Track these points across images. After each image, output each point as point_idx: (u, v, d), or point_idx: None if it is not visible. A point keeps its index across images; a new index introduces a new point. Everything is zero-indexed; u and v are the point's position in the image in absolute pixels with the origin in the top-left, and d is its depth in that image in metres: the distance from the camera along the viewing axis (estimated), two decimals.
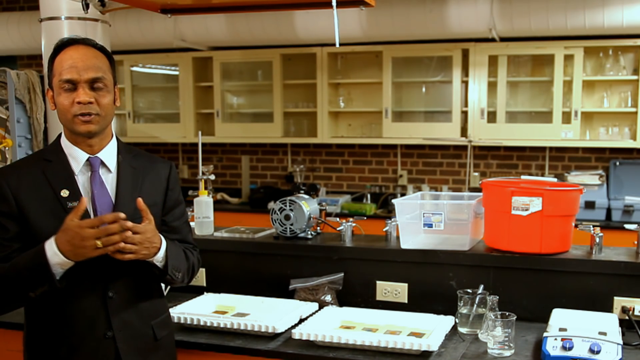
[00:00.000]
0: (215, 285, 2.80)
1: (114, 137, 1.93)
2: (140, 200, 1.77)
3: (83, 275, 1.78)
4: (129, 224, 1.71)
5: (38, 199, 1.77)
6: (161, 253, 1.84)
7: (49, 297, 1.76)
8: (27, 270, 1.70)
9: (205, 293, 2.68)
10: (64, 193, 1.79)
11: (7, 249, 1.76)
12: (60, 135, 1.90)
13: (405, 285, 2.60)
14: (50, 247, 1.68)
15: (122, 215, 1.70)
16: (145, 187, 1.91)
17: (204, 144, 5.24)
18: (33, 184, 1.79)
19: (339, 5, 2.42)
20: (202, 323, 2.32)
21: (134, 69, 5.97)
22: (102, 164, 1.87)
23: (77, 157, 1.84)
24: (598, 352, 1.96)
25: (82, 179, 1.84)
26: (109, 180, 1.87)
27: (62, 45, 1.81)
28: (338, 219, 2.84)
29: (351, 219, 2.81)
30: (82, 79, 1.76)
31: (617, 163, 5.09)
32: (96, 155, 1.86)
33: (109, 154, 1.88)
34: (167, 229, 1.98)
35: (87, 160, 1.84)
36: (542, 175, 5.31)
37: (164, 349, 2.00)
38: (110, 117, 1.86)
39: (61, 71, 1.77)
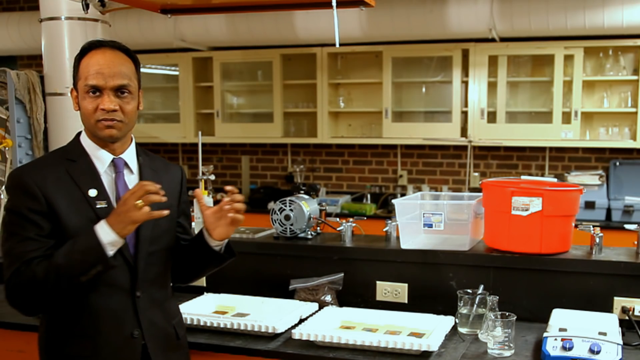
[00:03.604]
0: (215, 285, 2.80)
1: (134, 140, 1.95)
2: (197, 190, 1.88)
3: (112, 274, 1.78)
4: (239, 196, 1.86)
5: (66, 198, 1.76)
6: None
7: (74, 295, 1.76)
8: (80, 253, 1.68)
9: (205, 293, 2.68)
10: (92, 193, 1.79)
11: (45, 244, 1.74)
12: (79, 135, 1.89)
13: (405, 285, 2.60)
14: (101, 226, 1.68)
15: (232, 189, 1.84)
16: (164, 189, 1.92)
17: (204, 144, 5.23)
18: (59, 182, 1.78)
19: (339, 5, 2.42)
20: (202, 323, 2.32)
21: None
22: (126, 165, 1.88)
23: (101, 157, 1.84)
24: (598, 353, 1.96)
25: (106, 180, 1.84)
26: (131, 181, 1.88)
27: (89, 47, 1.82)
28: (338, 219, 2.84)
29: (351, 219, 2.81)
30: (107, 85, 1.77)
31: (617, 163, 5.09)
32: (120, 156, 1.87)
33: (130, 155, 1.90)
34: (181, 231, 2.02)
35: (112, 161, 1.85)
36: (542, 175, 5.31)
37: (183, 348, 2.02)
38: (133, 122, 1.87)
39: (87, 75, 1.77)
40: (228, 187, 1.85)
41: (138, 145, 1.97)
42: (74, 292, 1.74)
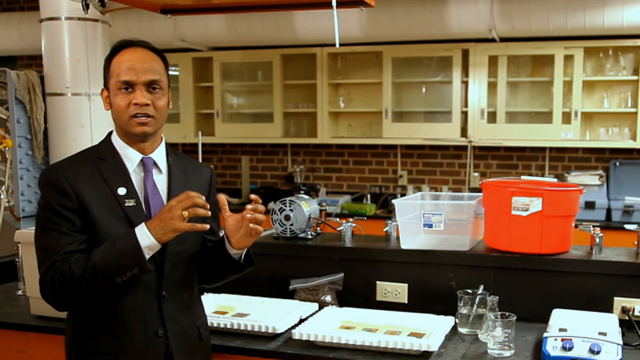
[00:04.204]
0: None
1: (164, 140, 1.95)
2: (222, 196, 1.83)
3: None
4: (261, 207, 1.84)
5: (95, 195, 1.79)
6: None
7: (108, 295, 1.78)
8: (118, 254, 1.70)
9: (205, 293, 2.68)
10: (121, 191, 1.81)
11: (79, 239, 1.77)
12: (110, 134, 1.91)
13: (405, 285, 2.60)
14: (141, 230, 1.71)
15: (256, 198, 1.82)
16: (192, 189, 1.91)
17: (204, 144, 5.24)
18: (89, 180, 1.80)
19: (339, 5, 2.42)
20: None
21: None
22: (155, 164, 1.89)
23: (130, 157, 1.86)
24: (598, 353, 1.96)
25: (135, 179, 1.86)
26: (160, 181, 1.89)
27: (120, 47, 1.84)
28: (338, 219, 2.84)
29: (351, 219, 2.81)
30: (139, 81, 1.79)
31: (617, 163, 5.09)
32: (149, 155, 1.88)
33: (160, 155, 1.91)
34: (209, 232, 2.00)
35: (141, 160, 1.86)
36: (542, 175, 5.31)
37: (206, 349, 2.02)
38: (164, 119, 1.88)
39: (119, 72, 1.79)
40: (253, 196, 1.84)
41: (168, 145, 1.97)
42: (109, 292, 1.75)
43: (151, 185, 1.86)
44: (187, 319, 1.92)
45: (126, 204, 1.80)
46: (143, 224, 1.73)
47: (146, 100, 1.79)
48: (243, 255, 1.94)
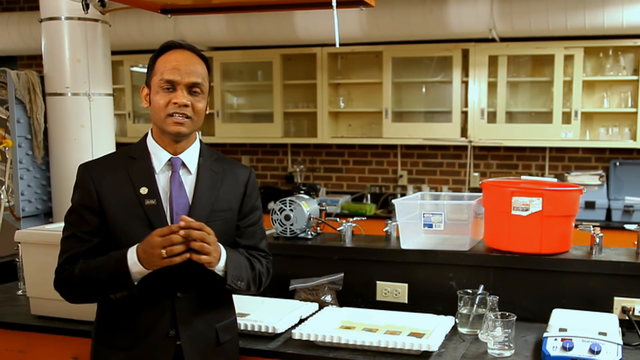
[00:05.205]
0: None
1: (198, 140, 1.96)
2: (184, 217, 1.74)
3: (155, 273, 1.80)
4: (195, 233, 1.71)
5: (118, 195, 1.82)
6: (221, 263, 1.82)
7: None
8: (110, 275, 1.76)
9: None
10: (143, 190, 1.82)
11: (88, 243, 1.83)
12: (147, 134, 1.93)
13: (405, 285, 2.60)
14: (131, 256, 1.74)
15: (189, 221, 1.70)
16: (223, 190, 1.92)
17: None
18: (115, 179, 1.83)
19: (339, 5, 2.42)
20: None
21: (134, 69, 5.98)
22: (183, 165, 1.89)
23: (159, 156, 1.87)
24: (598, 353, 1.96)
25: (162, 179, 1.86)
26: (188, 181, 1.89)
27: (168, 47, 1.86)
28: (338, 219, 2.84)
29: (351, 219, 2.81)
30: (182, 81, 1.81)
31: (617, 163, 5.09)
32: (178, 156, 1.88)
33: (190, 155, 1.91)
34: (240, 234, 1.98)
35: (169, 160, 1.87)
36: (542, 175, 5.31)
37: (225, 353, 2.00)
38: (201, 122, 1.90)
39: (163, 71, 1.81)
40: (181, 224, 1.72)
41: (206, 146, 1.97)
42: (112, 301, 1.82)
43: (176, 185, 1.86)
44: (202, 322, 1.90)
45: (147, 203, 1.81)
46: (134, 249, 1.74)
47: (186, 101, 1.81)
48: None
